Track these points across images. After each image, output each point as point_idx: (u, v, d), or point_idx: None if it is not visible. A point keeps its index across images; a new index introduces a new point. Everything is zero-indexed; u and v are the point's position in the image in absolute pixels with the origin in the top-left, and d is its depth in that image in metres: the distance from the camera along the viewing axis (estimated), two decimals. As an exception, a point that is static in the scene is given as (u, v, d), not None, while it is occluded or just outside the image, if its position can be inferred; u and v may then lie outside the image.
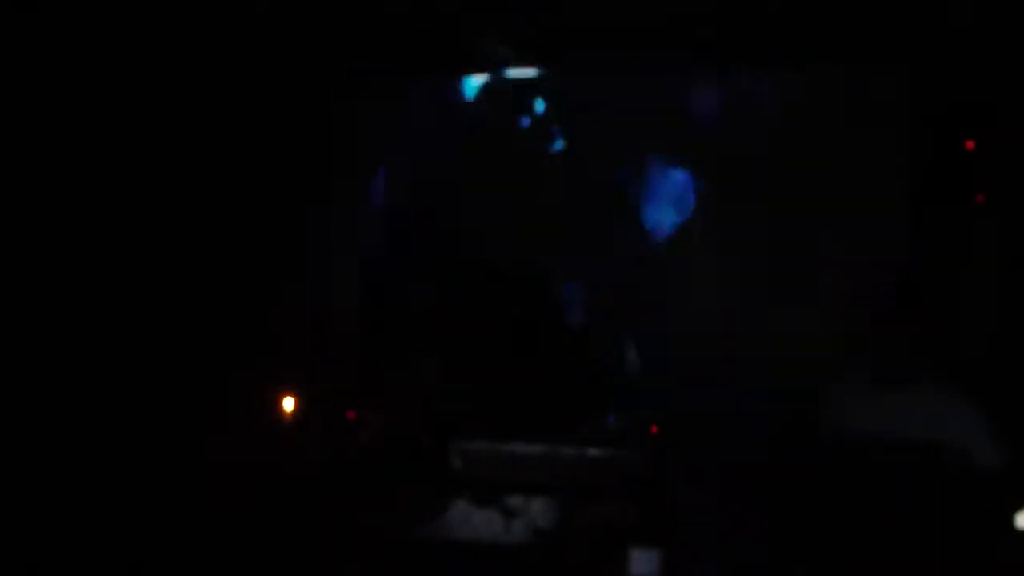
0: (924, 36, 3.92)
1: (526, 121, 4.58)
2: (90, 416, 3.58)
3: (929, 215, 3.97)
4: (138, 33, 3.81)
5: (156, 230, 3.93)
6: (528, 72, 4.53)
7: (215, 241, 4.10)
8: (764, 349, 4.06)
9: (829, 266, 4.14)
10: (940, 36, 3.90)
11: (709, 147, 4.40)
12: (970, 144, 3.96)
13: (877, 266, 4.02)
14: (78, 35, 3.64)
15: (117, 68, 3.79)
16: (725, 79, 4.44)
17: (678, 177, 4.43)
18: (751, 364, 4.03)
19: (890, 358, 2.69)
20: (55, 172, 3.62)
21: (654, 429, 3.61)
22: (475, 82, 4.61)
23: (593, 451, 3.47)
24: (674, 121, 4.41)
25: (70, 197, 3.67)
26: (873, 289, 3.69)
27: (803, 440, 2.62)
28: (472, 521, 3.51)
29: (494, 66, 4.52)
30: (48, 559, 3.33)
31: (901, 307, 2.79)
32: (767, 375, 3.92)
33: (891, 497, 2.38)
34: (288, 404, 3.91)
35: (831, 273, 4.12)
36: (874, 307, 2.84)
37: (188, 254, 4.01)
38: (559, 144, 4.53)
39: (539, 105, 4.57)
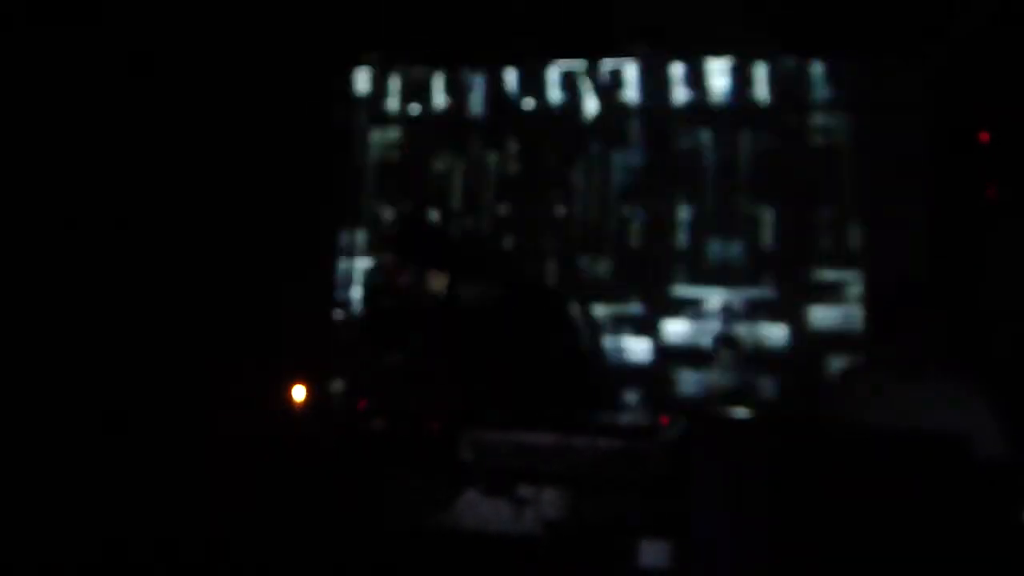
0: (941, 29, 3.91)
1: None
2: (110, 411, 3.61)
3: (943, 208, 3.96)
4: (143, 30, 3.82)
5: (171, 233, 3.95)
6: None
7: (229, 238, 4.11)
8: (777, 343, 4.07)
9: (842, 260, 4.13)
10: (956, 29, 3.88)
11: (723, 140, 4.39)
12: (984, 137, 3.94)
13: (889, 260, 4.01)
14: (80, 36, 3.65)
15: (122, 65, 3.80)
16: (736, 70, 4.42)
17: None
18: (764, 358, 4.03)
19: (903, 351, 2.68)
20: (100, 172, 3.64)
21: (665, 421, 3.61)
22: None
23: (604, 442, 3.47)
24: (692, 113, 4.41)
25: (100, 198, 3.69)
26: (886, 283, 3.69)
27: (815, 433, 2.61)
28: (482, 511, 3.51)
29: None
30: (51, 544, 3.35)
31: (913, 301, 2.79)
32: (780, 368, 3.93)
33: (902, 490, 2.37)
34: (299, 393, 3.92)
35: (844, 267, 4.12)
36: (887, 301, 2.84)
37: (202, 253, 4.03)
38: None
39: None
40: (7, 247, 3.51)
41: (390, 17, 4.27)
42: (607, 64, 4.50)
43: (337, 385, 3.99)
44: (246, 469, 3.61)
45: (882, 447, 2.43)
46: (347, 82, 4.71)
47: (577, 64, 4.53)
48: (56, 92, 3.61)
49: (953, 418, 2.46)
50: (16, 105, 3.53)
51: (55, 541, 3.33)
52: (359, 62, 4.68)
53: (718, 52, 4.34)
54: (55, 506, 3.42)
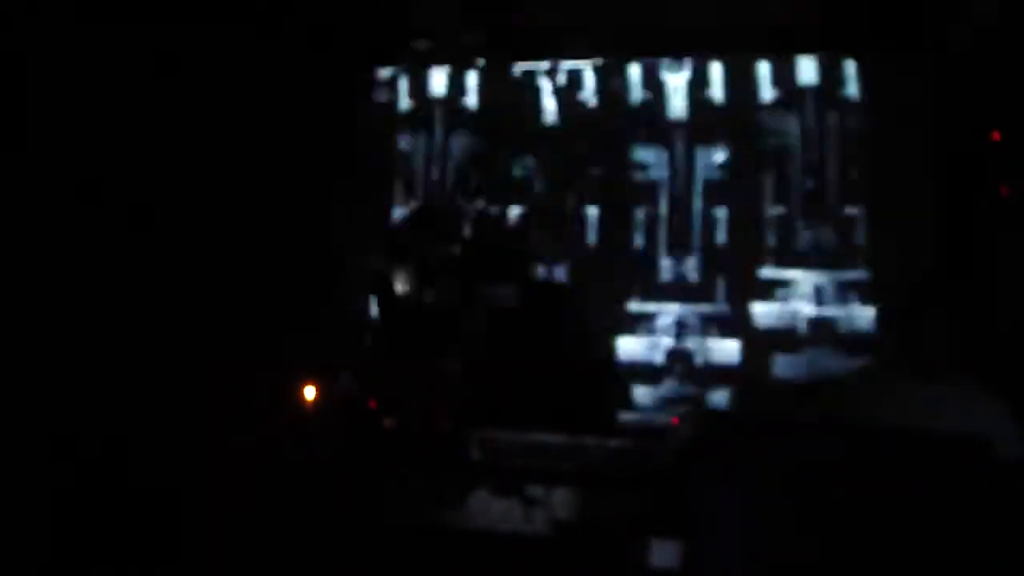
0: (951, 25, 3.89)
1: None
2: (121, 408, 3.61)
3: (956, 207, 3.94)
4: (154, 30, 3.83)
5: (182, 233, 3.95)
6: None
7: (239, 238, 4.12)
8: (791, 342, 4.06)
9: (856, 259, 4.11)
10: (967, 25, 3.86)
11: (728, 138, 4.38)
12: (996, 135, 3.92)
13: (904, 259, 3.99)
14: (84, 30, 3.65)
15: (133, 66, 3.81)
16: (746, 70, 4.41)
17: None
18: (776, 358, 4.02)
19: (918, 351, 2.67)
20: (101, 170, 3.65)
21: (675, 421, 3.60)
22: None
23: (615, 441, 3.46)
24: (698, 111, 4.40)
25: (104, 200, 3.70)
26: (901, 282, 3.68)
27: (829, 433, 2.60)
28: (492, 511, 3.51)
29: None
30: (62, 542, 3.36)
31: (929, 300, 2.77)
32: (793, 367, 3.92)
33: (917, 490, 2.36)
34: (310, 393, 3.92)
35: (858, 266, 4.10)
36: (902, 300, 2.82)
37: (213, 253, 4.04)
38: None
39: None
40: (9, 247, 3.52)
41: (395, 22, 4.27)
42: (689, 62, 4.46)
43: (348, 385, 3.98)
44: (256, 468, 3.61)
45: (895, 448, 2.42)
46: (367, 81, 4.69)
47: (660, 62, 4.49)
48: (79, 89, 3.62)
49: (969, 419, 2.44)
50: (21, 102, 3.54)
51: (55, 541, 3.34)
52: (385, 60, 4.67)
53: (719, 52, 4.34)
54: (56, 506, 3.43)
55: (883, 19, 3.98)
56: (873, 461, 2.38)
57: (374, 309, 4.43)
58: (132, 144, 3.89)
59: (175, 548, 3.43)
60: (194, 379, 3.83)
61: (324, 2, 4.23)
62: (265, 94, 4.28)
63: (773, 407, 3.39)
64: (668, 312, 4.32)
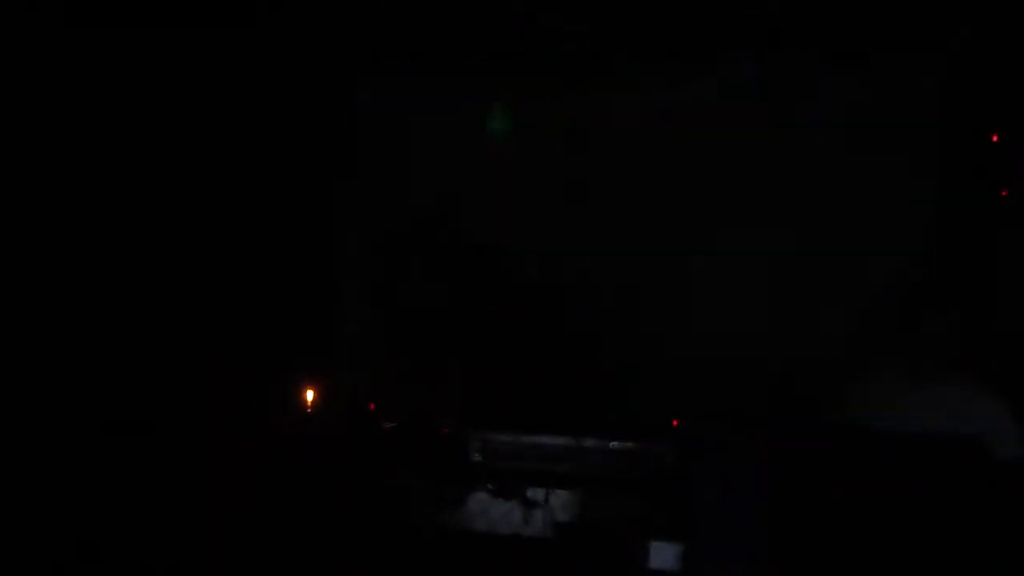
0: (952, 26, 3.89)
1: None
2: (121, 408, 3.62)
3: (956, 209, 3.94)
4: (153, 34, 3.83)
5: (184, 234, 3.95)
6: None
7: (239, 239, 4.12)
8: (790, 344, 4.05)
9: (855, 261, 4.11)
10: (968, 26, 3.86)
11: (730, 138, 4.37)
12: (996, 137, 3.92)
13: (904, 260, 3.99)
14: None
15: (128, 66, 3.81)
16: (746, 68, 4.40)
17: None
18: (777, 359, 4.02)
19: (916, 353, 2.67)
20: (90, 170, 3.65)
21: (675, 423, 3.60)
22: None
23: (614, 444, 3.46)
24: (700, 112, 4.38)
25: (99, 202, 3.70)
26: (899, 283, 3.68)
27: (829, 435, 2.60)
28: (491, 513, 3.51)
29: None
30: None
31: (927, 301, 2.77)
32: (793, 371, 3.91)
33: (916, 492, 2.36)
34: (308, 395, 3.92)
35: (857, 268, 4.10)
36: (900, 301, 2.82)
37: (213, 254, 4.04)
38: None
39: None
40: (9, 247, 3.52)
41: (394, 24, 4.28)
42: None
43: (346, 387, 3.99)
44: (256, 468, 3.61)
45: (894, 448, 2.42)
46: (354, 85, 4.70)
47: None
48: (78, 89, 3.62)
49: (968, 419, 2.44)
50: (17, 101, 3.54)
51: (55, 542, 3.34)
52: (367, 66, 4.68)
53: (720, 53, 4.32)
54: (56, 507, 3.42)
55: (884, 19, 3.97)
56: (872, 461, 2.37)
57: (375, 310, 4.43)
58: (131, 144, 3.89)
59: (175, 548, 3.43)
60: (194, 379, 3.83)
61: (322, 3, 4.23)
62: (264, 94, 4.28)
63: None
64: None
